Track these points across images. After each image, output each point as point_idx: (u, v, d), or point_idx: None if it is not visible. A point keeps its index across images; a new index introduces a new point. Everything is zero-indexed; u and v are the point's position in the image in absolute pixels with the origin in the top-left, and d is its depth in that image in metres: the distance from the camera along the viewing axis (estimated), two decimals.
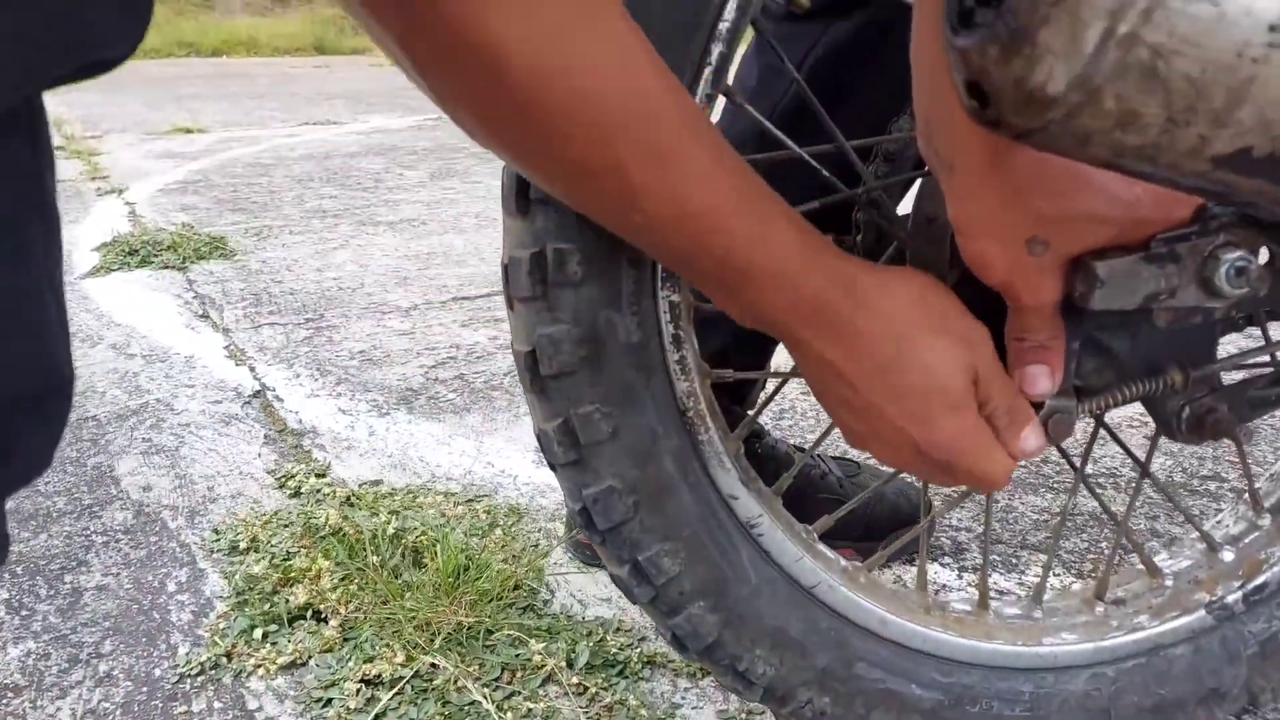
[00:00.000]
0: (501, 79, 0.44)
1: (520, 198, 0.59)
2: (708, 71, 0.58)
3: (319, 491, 1.15)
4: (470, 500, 1.13)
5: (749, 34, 0.62)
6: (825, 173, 0.64)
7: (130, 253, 2.25)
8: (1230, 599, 0.70)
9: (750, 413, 0.95)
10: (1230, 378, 0.62)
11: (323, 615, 0.92)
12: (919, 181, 0.63)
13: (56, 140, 4.20)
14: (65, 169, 3.53)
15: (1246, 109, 0.38)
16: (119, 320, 1.82)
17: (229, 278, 2.11)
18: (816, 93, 0.84)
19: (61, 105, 5.50)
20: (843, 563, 0.69)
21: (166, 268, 2.17)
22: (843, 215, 0.71)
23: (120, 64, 0.31)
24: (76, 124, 4.78)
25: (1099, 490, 1.10)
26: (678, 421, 0.62)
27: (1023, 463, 0.94)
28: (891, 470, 0.69)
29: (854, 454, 1.21)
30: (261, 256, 2.29)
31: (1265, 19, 0.37)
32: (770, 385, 1.05)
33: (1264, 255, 0.54)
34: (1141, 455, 0.72)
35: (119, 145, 4.11)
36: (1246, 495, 0.72)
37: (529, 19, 0.43)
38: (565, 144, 0.46)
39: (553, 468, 0.64)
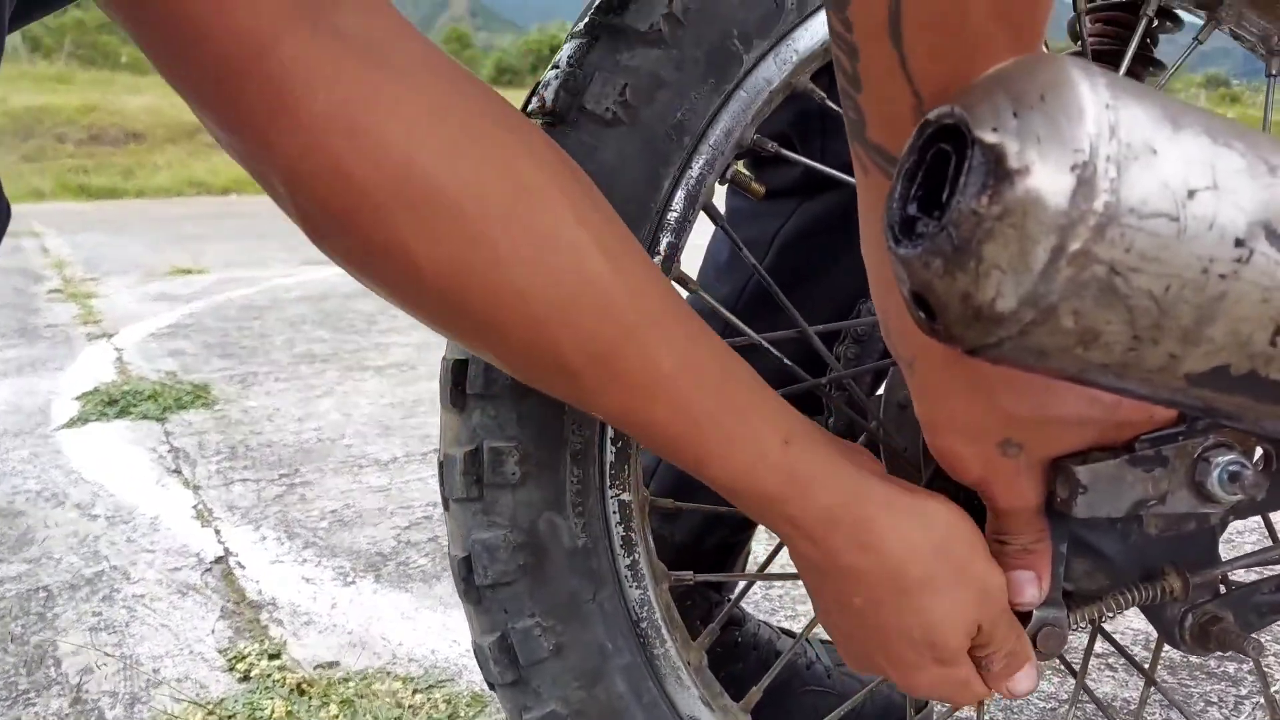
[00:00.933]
0: (419, 282, 0.40)
1: (456, 391, 0.55)
2: (656, 261, 0.55)
3: (269, 676, 1.07)
4: (430, 686, 1.04)
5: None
6: (787, 361, 0.61)
7: (110, 403, 2.22)
8: None
9: (730, 599, 0.89)
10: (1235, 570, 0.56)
11: None
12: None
13: (55, 283, 4.25)
14: (59, 313, 3.55)
15: (1218, 326, 0.35)
16: (88, 477, 1.77)
17: (207, 429, 2.07)
18: (787, 270, 0.82)
19: (66, 247, 5.62)
20: None
21: (145, 418, 2.14)
22: (814, 395, 0.67)
23: None
24: (78, 266, 4.85)
25: (1110, 674, 1.02)
26: (630, 634, 0.57)
27: None
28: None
29: None
30: (243, 405, 2.26)
31: (1231, 233, 0.34)
32: (757, 549, 0.99)
33: (1259, 454, 0.50)
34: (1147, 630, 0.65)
35: (117, 287, 4.15)
36: (1263, 700, 0.65)
37: (436, 217, 0.39)
38: (501, 340, 0.42)
39: (492, 687, 0.58)
